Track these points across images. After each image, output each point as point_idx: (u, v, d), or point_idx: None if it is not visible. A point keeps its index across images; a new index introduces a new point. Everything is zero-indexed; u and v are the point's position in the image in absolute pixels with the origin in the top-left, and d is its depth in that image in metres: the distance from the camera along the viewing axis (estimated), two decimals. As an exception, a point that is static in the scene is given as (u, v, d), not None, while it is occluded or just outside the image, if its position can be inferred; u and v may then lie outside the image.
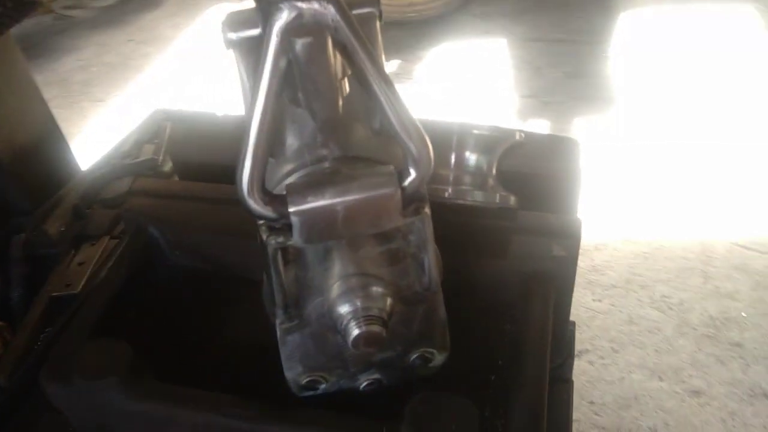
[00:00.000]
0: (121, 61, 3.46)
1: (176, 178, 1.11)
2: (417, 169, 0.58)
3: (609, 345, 1.86)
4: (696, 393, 1.71)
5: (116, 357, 0.69)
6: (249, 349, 0.79)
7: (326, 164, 0.63)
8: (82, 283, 1.02)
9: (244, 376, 0.75)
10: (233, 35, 0.62)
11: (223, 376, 0.75)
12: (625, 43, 3.24)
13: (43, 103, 1.25)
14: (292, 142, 0.63)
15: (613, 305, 1.96)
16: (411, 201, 0.59)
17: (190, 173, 1.01)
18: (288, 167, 0.64)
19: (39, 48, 3.48)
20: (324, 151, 0.63)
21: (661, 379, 1.75)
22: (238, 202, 0.87)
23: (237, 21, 0.62)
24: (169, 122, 1.39)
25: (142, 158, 1.27)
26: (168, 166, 1.26)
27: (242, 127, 0.68)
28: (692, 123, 2.63)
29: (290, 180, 0.63)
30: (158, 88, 3.21)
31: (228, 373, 0.76)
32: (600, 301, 1.98)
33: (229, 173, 0.93)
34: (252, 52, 0.63)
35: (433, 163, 0.58)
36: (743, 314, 1.89)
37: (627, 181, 2.33)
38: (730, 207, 2.23)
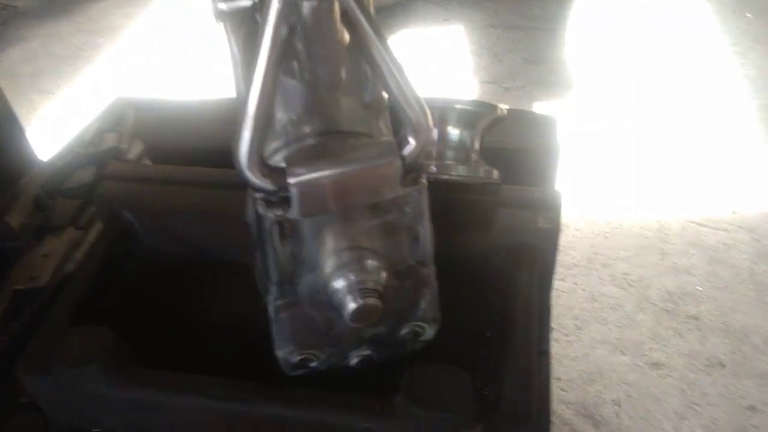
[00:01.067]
0: (70, 53, 3.34)
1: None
2: (416, 138, 0.58)
3: (573, 323, 1.90)
4: (656, 365, 1.76)
5: (98, 344, 0.67)
6: (232, 332, 0.78)
7: (316, 138, 0.63)
8: (49, 275, 0.99)
9: (229, 359, 0.74)
10: (224, 6, 0.61)
11: (208, 361, 0.73)
12: (580, 29, 3.30)
13: (-2, 93, 1.20)
14: (280, 116, 0.62)
15: (575, 284, 2.00)
16: (410, 171, 0.59)
17: (163, 157, 0.98)
18: (277, 142, 0.63)
19: (-19, 39, 3.34)
20: (314, 125, 0.63)
21: (623, 354, 1.80)
22: (215, 184, 0.85)
23: None
24: (131, 110, 1.35)
25: (105, 147, 1.23)
26: (133, 154, 1.23)
27: (233, 101, 0.67)
28: (646, 106, 2.70)
29: (281, 155, 0.62)
30: (111, 78, 3.11)
31: (212, 356, 0.75)
32: (563, 280, 2.01)
33: (203, 156, 0.92)
34: (243, 23, 0.62)
35: (432, 132, 0.58)
36: (699, 288, 1.95)
37: (585, 163, 2.38)
38: (684, 186, 2.30)
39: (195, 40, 3.26)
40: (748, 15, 3.28)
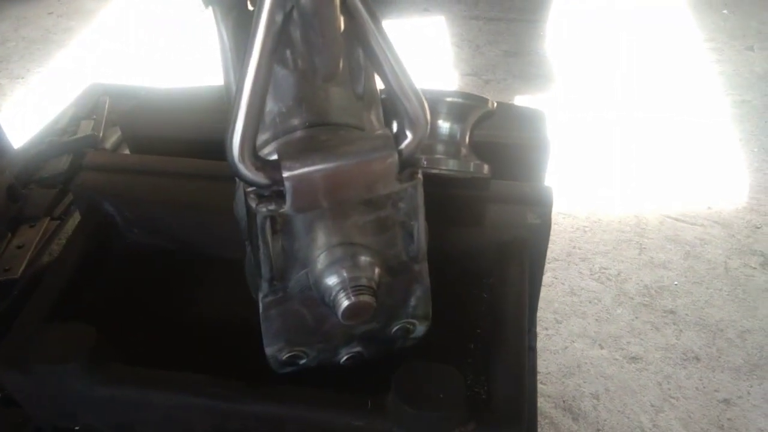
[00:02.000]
0: (41, 36, 3.25)
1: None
2: (414, 132, 0.56)
3: (552, 316, 1.92)
4: (634, 359, 1.79)
5: (79, 340, 0.65)
6: (219, 328, 0.77)
7: (305, 130, 0.61)
8: (23, 267, 0.96)
9: (216, 355, 0.72)
10: None
11: (194, 358, 0.72)
12: (561, 22, 3.32)
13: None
14: (270, 107, 0.60)
15: (555, 278, 2.02)
16: (406, 166, 0.57)
17: (143, 147, 0.96)
18: (266, 134, 0.61)
19: (-53, 20, 3.23)
20: (304, 116, 0.61)
21: (601, 347, 1.82)
22: (200, 175, 0.83)
23: None
24: (107, 96, 1.32)
25: (81, 134, 1.21)
26: (110, 142, 1.20)
27: (215, 90, 0.65)
28: (624, 102, 2.74)
29: (270, 147, 0.61)
30: (83, 63, 3.04)
31: (199, 353, 0.73)
32: (543, 274, 2.03)
33: (184, 146, 0.90)
34: (233, 9, 0.60)
35: (429, 126, 0.57)
36: (675, 283, 1.99)
37: (565, 157, 2.40)
38: (661, 181, 2.34)
39: (173, 25, 3.20)
40: (725, 11, 3.33)
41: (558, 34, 3.23)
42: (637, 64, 2.95)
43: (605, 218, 2.19)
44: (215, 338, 0.75)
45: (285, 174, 0.54)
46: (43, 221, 1.03)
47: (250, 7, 0.62)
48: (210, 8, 0.63)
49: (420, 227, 0.62)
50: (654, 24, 3.26)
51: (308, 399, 0.64)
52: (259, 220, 0.56)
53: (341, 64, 0.57)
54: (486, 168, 0.80)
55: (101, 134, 1.19)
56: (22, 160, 1.16)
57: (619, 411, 1.65)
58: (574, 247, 2.11)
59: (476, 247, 0.79)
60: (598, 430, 1.62)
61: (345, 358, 0.68)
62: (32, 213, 1.05)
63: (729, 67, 2.93)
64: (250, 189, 0.56)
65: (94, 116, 1.25)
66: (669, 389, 1.71)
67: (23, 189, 1.10)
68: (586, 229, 2.17)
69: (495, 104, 0.81)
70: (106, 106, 1.26)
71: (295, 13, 0.52)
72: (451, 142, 0.80)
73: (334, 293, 0.59)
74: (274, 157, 0.56)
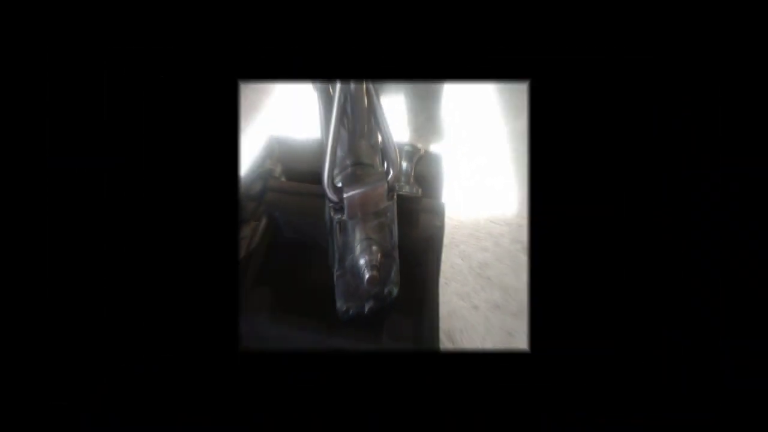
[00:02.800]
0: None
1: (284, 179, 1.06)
2: (393, 169, 0.60)
3: (443, 281, 1.86)
4: (475, 307, 1.78)
5: (265, 297, 0.73)
6: (320, 290, 0.78)
7: (353, 168, 0.64)
8: (245, 250, 1.00)
9: (318, 303, 0.75)
10: (318, 84, 0.66)
11: (309, 307, 0.75)
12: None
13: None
14: (338, 153, 0.64)
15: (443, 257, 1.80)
16: (390, 190, 0.62)
17: (292, 176, 1.01)
18: (336, 169, 0.65)
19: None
20: (351, 159, 0.64)
21: (462, 300, 1.78)
22: (316, 195, 0.87)
23: None
24: (277, 144, 1.29)
25: (265, 168, 1.17)
26: (278, 173, 1.21)
27: (322, 143, 0.66)
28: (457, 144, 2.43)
29: (337, 178, 0.65)
30: (261, 128, 2.53)
31: (311, 305, 0.76)
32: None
33: (312, 176, 0.92)
34: (324, 92, 0.66)
35: (400, 167, 0.61)
36: (490, 260, 1.95)
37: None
38: (482, 199, 2.25)
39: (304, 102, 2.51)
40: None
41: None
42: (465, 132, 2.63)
43: (464, 220, 2.26)
44: (320, 295, 0.76)
45: (344, 195, 0.58)
46: (250, 222, 1.05)
47: (332, 93, 0.63)
48: (315, 93, 0.68)
49: (395, 228, 0.66)
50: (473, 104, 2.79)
51: (360, 331, 0.70)
52: (334, 223, 0.61)
53: (367, 127, 0.61)
54: (420, 191, 0.88)
55: (275, 169, 1.21)
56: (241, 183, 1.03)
57: (469, 337, 1.75)
58: (452, 238, 2.15)
59: (414, 240, 0.82)
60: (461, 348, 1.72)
61: (367, 309, 0.72)
62: (245, 217, 1.05)
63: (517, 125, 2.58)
64: (330, 204, 0.60)
65: (270, 157, 1.19)
66: (490, 327, 1.78)
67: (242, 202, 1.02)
68: (456, 226, 2.24)
69: (424, 150, 0.91)
70: (277, 150, 1.23)
71: (349, 97, 0.58)
72: (405, 174, 0.89)
73: (363, 269, 0.64)
74: (340, 185, 0.61)
